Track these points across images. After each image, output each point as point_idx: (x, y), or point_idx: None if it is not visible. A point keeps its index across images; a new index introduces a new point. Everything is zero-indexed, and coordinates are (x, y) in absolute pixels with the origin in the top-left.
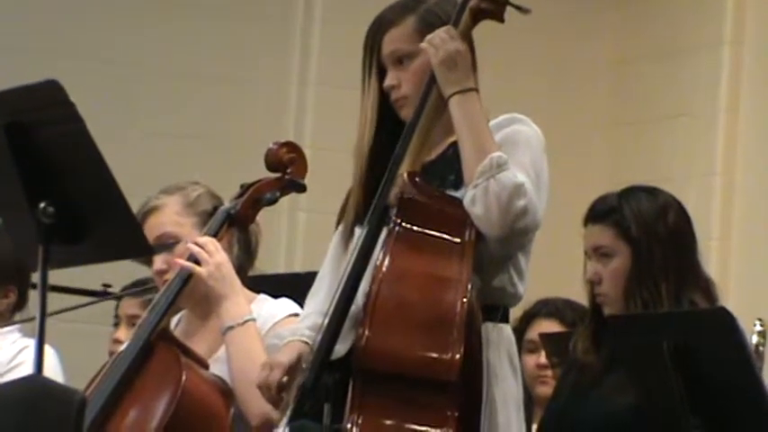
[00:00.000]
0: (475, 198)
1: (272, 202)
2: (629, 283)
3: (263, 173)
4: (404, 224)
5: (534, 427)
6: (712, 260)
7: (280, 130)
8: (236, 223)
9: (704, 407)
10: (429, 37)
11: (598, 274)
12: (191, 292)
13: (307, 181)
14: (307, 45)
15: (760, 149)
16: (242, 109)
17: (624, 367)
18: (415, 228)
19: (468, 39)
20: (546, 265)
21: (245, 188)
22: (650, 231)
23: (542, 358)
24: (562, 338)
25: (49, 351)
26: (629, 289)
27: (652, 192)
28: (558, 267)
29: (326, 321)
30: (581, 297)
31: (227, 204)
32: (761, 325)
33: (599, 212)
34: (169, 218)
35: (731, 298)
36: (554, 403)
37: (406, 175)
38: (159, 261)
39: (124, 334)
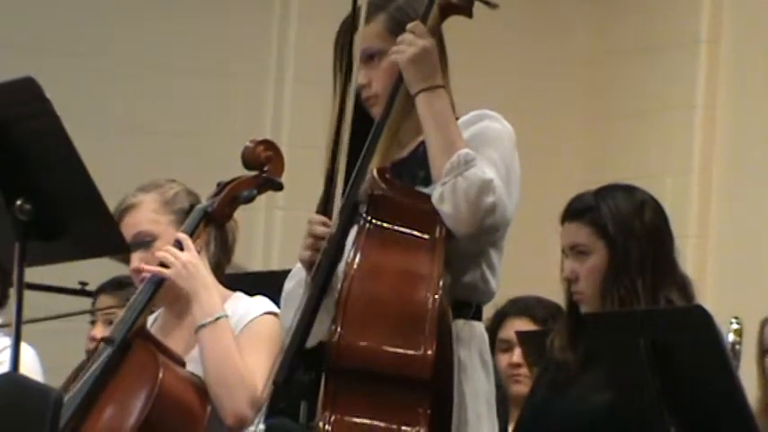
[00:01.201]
0: (443, 196)
1: (249, 200)
2: (606, 280)
3: (240, 171)
4: (374, 221)
5: (511, 426)
6: (689, 258)
7: (257, 127)
8: (213, 221)
9: (680, 404)
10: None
11: (575, 272)
12: (165, 292)
13: (284, 179)
14: (284, 42)
15: (737, 147)
16: (219, 106)
17: (601, 365)
18: (385, 224)
19: (437, 35)
20: (521, 261)
21: (221, 186)
22: (627, 229)
23: (515, 357)
24: (539, 336)
25: (28, 350)
26: (606, 287)
27: (629, 189)
28: (534, 264)
29: (296, 319)
30: (555, 294)
31: (204, 202)
32: (737, 323)
33: (575, 211)
34: (146, 216)
35: (708, 296)
36: (531, 401)
37: (375, 171)
38: (136, 259)
39: (100, 332)
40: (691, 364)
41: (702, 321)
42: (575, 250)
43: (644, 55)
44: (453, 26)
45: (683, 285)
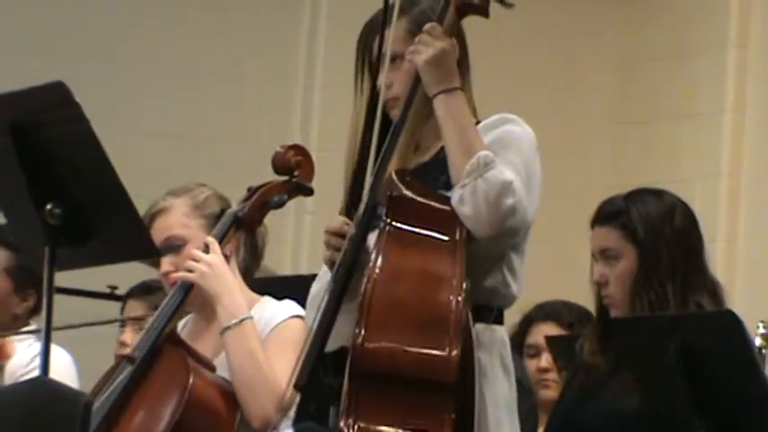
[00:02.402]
0: (463, 198)
1: (280, 205)
2: (636, 285)
3: (269, 175)
4: (394, 223)
5: (540, 430)
6: (718, 262)
7: (286, 132)
8: (244, 226)
9: (709, 409)
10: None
11: (605, 276)
12: (195, 296)
13: (313, 184)
14: (313, 46)
15: (766, 151)
16: (249, 111)
17: (630, 369)
18: (404, 226)
19: (458, 36)
20: (549, 265)
21: (252, 191)
22: (657, 233)
23: (543, 362)
24: (568, 341)
25: (64, 355)
26: (636, 291)
27: (659, 194)
28: (561, 268)
29: (317, 322)
30: (582, 298)
31: (234, 207)
32: (764, 327)
33: (606, 215)
34: (176, 220)
35: (737, 300)
36: (561, 406)
37: (394, 173)
38: (166, 263)
39: (130, 337)
40: (720, 368)
41: (732, 326)
42: (604, 254)
43: (672, 59)
44: (483, 29)
45: (714, 290)
